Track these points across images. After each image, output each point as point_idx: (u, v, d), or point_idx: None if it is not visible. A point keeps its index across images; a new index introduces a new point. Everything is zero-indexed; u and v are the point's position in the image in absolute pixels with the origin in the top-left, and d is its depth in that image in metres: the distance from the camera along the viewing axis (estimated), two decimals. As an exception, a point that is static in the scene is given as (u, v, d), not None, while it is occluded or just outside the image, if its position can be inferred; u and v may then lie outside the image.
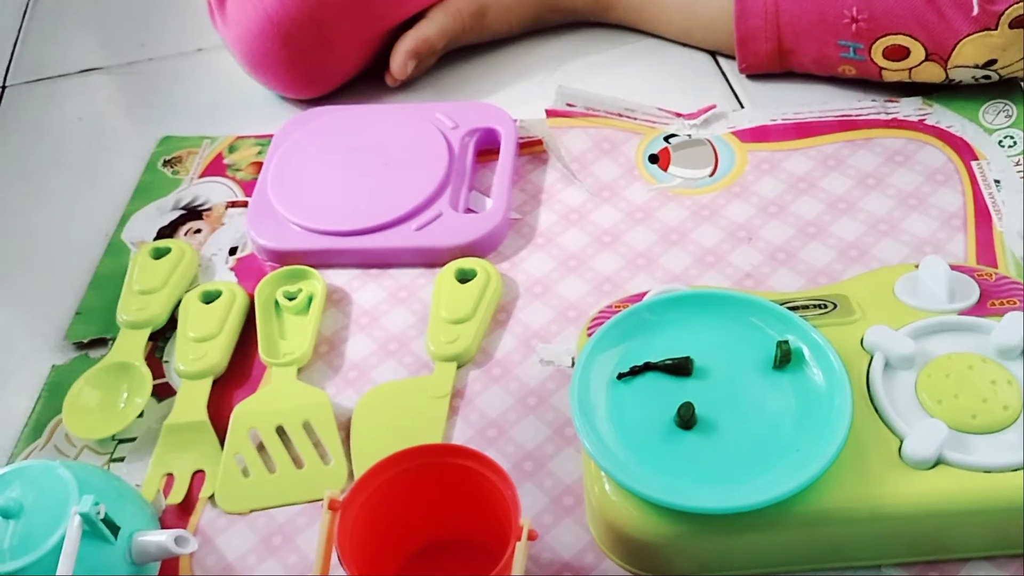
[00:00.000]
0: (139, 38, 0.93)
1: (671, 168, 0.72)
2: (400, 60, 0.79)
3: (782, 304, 0.55)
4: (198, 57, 0.89)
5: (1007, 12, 0.68)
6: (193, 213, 0.74)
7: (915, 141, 0.72)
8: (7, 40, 0.96)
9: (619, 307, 0.58)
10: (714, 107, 0.76)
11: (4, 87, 0.90)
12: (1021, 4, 0.68)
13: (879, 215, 0.67)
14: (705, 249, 0.66)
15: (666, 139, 0.74)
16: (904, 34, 0.71)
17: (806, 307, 0.57)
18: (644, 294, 0.58)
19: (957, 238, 0.65)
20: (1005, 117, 0.72)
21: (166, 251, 0.69)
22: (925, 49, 0.71)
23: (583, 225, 0.69)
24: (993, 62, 0.70)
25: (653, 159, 0.73)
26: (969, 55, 0.70)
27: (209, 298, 0.66)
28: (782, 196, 0.69)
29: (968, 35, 0.69)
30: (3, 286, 0.72)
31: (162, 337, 0.65)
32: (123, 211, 0.75)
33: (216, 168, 0.77)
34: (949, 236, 0.65)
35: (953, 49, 0.70)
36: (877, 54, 0.72)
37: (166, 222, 0.73)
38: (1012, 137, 0.71)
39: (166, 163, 0.78)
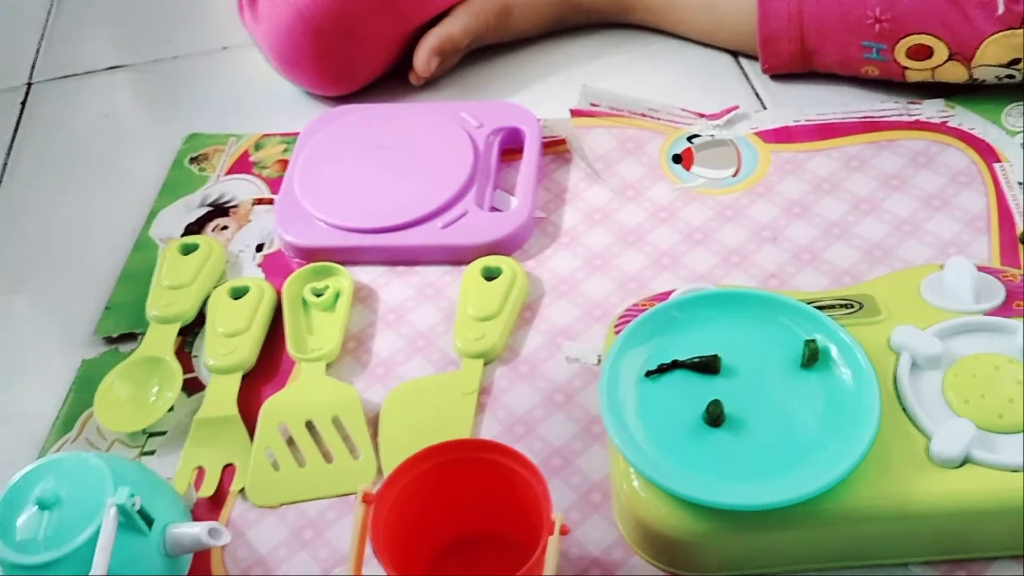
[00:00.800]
0: (165, 35, 0.94)
1: (694, 168, 0.73)
2: (424, 57, 0.80)
3: (808, 304, 0.56)
4: (224, 55, 0.90)
5: (1031, 11, 0.68)
6: (220, 210, 0.75)
7: (938, 143, 0.72)
8: (33, 37, 0.97)
9: (645, 305, 0.58)
10: (737, 108, 0.76)
11: (30, 84, 0.91)
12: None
13: (903, 216, 0.67)
14: (730, 249, 0.67)
15: (689, 139, 0.75)
16: (928, 34, 0.71)
17: (832, 307, 0.58)
18: (670, 293, 0.58)
19: (981, 240, 0.65)
20: (1027, 118, 0.73)
21: (194, 247, 0.70)
22: (949, 49, 0.71)
23: (607, 224, 0.70)
24: (1017, 61, 0.71)
25: (676, 159, 0.73)
26: (993, 55, 0.70)
27: (237, 294, 0.66)
28: (806, 197, 0.69)
29: (992, 34, 0.69)
30: (33, 282, 0.73)
31: (191, 332, 0.66)
32: (151, 208, 0.76)
33: (242, 165, 0.78)
34: (973, 238, 0.65)
35: (977, 48, 0.70)
36: (900, 54, 0.73)
37: (193, 219, 0.74)
38: (1035, 138, 0.71)
39: (192, 160, 0.79)
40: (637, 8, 0.84)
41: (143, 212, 0.75)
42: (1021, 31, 0.69)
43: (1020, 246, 0.64)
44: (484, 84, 0.83)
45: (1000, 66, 0.71)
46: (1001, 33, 0.69)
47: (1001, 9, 0.69)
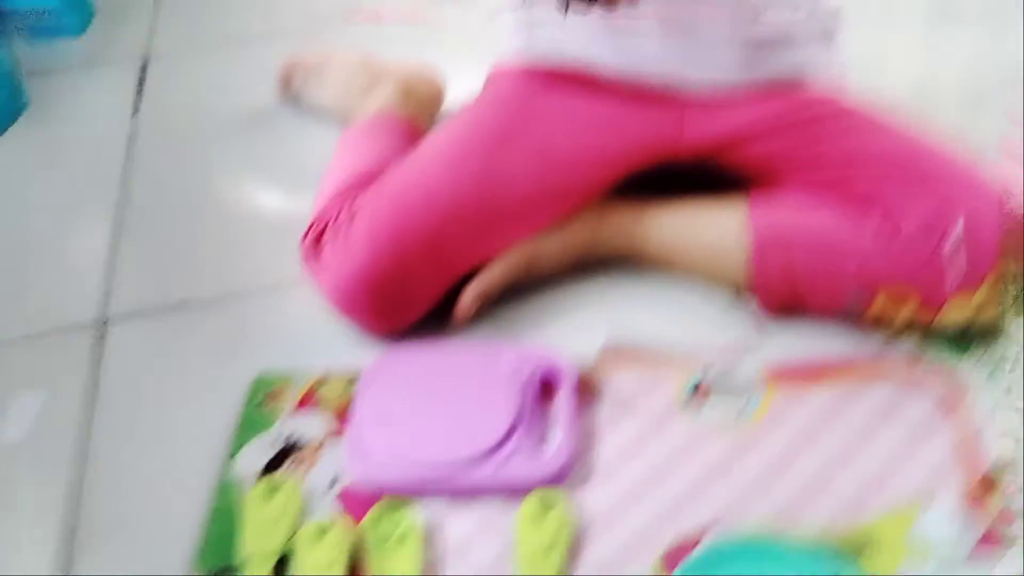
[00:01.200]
0: (228, 273, 1.03)
1: (709, 403, 0.84)
2: (466, 304, 0.92)
3: (818, 545, 0.67)
4: (287, 294, 0.98)
5: (990, 273, 0.82)
6: (293, 448, 0.84)
7: (913, 382, 0.84)
8: (98, 276, 1.05)
9: (683, 546, 0.69)
10: (744, 344, 0.88)
11: (100, 323, 0.99)
12: (1001, 264, 0.82)
13: (894, 450, 0.79)
14: (746, 481, 0.77)
15: (702, 375, 0.86)
16: (901, 289, 0.84)
17: (838, 548, 0.69)
18: (703, 532, 0.69)
19: (956, 473, 0.76)
20: (990, 358, 0.85)
21: (274, 487, 0.79)
22: (919, 303, 0.84)
23: (638, 459, 0.80)
24: (979, 314, 0.84)
25: (693, 394, 0.85)
26: (958, 309, 0.84)
27: (321, 533, 0.75)
28: (806, 431, 0.81)
29: (956, 293, 0.83)
30: (122, 528, 0.80)
31: (282, 570, 0.74)
32: (228, 447, 0.84)
33: (310, 402, 0.88)
34: (950, 471, 0.77)
35: (944, 303, 0.84)
36: (877, 305, 0.86)
37: (269, 457, 0.83)
38: (999, 375, 0.84)
39: (263, 399, 0.88)
40: (647, 252, 0.97)
41: (221, 452, 0.84)
42: (981, 289, 0.83)
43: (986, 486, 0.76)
44: (518, 323, 0.94)
45: (965, 317, 0.84)
46: (965, 291, 0.83)
47: (963, 272, 0.83)
